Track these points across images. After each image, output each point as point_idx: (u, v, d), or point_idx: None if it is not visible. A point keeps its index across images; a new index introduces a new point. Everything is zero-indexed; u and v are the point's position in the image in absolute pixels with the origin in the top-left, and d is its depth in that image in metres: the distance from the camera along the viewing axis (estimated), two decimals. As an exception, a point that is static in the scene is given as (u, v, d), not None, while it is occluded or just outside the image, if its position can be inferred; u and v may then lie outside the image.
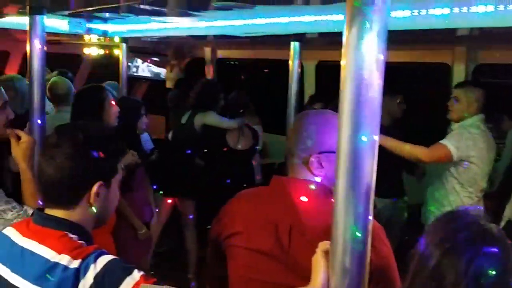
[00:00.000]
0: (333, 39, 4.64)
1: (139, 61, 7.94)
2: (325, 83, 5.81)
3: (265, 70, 7.59)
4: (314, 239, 1.42)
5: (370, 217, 1.13)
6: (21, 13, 3.46)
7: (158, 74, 7.60)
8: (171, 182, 4.55)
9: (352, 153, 1.10)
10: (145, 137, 4.51)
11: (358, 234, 1.12)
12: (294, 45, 3.53)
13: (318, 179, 1.60)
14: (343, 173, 1.11)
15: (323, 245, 1.24)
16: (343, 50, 1.10)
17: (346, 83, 1.10)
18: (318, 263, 1.23)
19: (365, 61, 1.07)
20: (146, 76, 7.76)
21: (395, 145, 3.36)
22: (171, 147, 4.87)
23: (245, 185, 2.36)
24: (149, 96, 7.74)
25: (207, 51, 6.81)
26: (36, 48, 2.56)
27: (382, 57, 1.08)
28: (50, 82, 4.45)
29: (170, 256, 5.07)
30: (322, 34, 3.98)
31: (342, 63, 1.10)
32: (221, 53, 6.88)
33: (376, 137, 1.11)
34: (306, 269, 1.40)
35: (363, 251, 1.13)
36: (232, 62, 7.61)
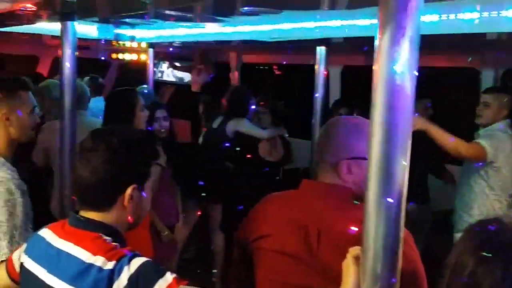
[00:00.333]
0: (358, 44, 4.64)
1: (164, 65, 8.03)
2: (350, 88, 5.79)
3: (290, 75, 7.59)
4: (341, 243, 1.44)
5: (402, 224, 1.12)
6: (52, 19, 3.54)
7: (182, 79, 7.67)
8: (199, 186, 4.56)
9: (383, 159, 1.09)
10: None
11: (389, 241, 1.11)
12: (320, 50, 3.53)
13: (346, 184, 1.60)
14: (374, 179, 1.11)
15: (353, 250, 1.23)
16: (375, 55, 1.09)
17: (378, 88, 1.09)
18: (349, 268, 1.22)
19: (397, 66, 1.07)
20: (171, 81, 7.84)
21: (440, 134, 3.31)
22: (200, 151, 4.89)
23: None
24: (174, 100, 7.81)
25: (232, 56, 6.85)
26: (67, 53, 2.62)
27: (414, 62, 1.07)
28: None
29: (197, 258, 5.10)
30: (347, 39, 3.97)
31: (375, 68, 1.09)
32: (246, 58, 6.91)
33: (409, 143, 1.10)
34: (334, 273, 1.41)
35: (394, 258, 1.13)
36: (257, 67, 7.63)
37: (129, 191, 1.41)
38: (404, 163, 1.10)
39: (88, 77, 5.69)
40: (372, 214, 1.12)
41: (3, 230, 1.80)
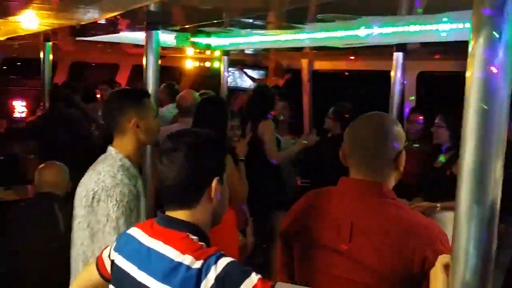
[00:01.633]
0: (435, 49, 4.52)
1: (236, 72, 8.17)
2: (427, 94, 5.63)
3: (364, 82, 7.49)
4: (372, 236, 1.56)
5: (495, 233, 1.09)
6: (137, 29, 3.71)
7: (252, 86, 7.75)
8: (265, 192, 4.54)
9: (477, 165, 1.06)
10: None
11: (481, 249, 1.08)
12: (397, 56, 3.47)
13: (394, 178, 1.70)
14: (467, 186, 1.08)
15: (443, 258, 1.21)
16: (468, 60, 1.07)
17: (471, 95, 1.07)
18: (438, 276, 1.20)
19: (492, 70, 1.04)
20: (243, 87, 7.96)
21: None
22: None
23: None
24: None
25: (304, 63, 6.85)
26: (151, 61, 2.74)
27: (510, 66, 1.05)
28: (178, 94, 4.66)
29: (265, 264, 5.10)
30: (424, 44, 3.88)
31: (467, 72, 1.07)
32: (317, 65, 6.90)
33: (503, 150, 1.07)
34: (365, 265, 1.55)
35: (487, 266, 1.10)
36: (329, 74, 7.59)
37: (213, 183, 1.46)
38: (498, 169, 1.07)
39: (164, 84, 5.89)
40: (463, 221, 1.10)
41: (113, 226, 1.98)
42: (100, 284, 1.60)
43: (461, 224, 1.10)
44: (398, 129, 1.71)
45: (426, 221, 1.62)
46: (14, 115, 8.04)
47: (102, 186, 2.03)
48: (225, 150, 1.57)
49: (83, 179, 2.16)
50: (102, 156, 2.19)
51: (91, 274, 1.63)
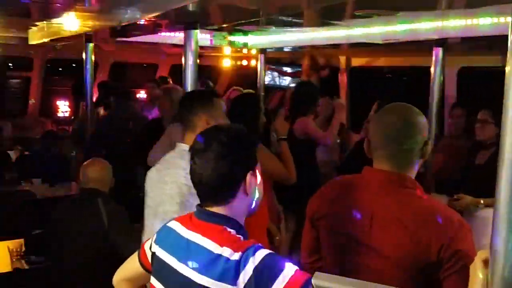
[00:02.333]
0: (477, 44, 4.42)
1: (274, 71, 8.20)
2: (468, 90, 5.51)
3: (403, 78, 7.38)
4: (391, 226, 1.57)
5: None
6: (176, 29, 3.76)
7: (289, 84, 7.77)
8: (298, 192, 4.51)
9: (517, 161, 1.06)
10: None
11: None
12: (437, 51, 3.41)
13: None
14: (506, 181, 1.08)
15: (482, 253, 1.20)
16: (508, 54, 1.06)
17: (510, 89, 1.06)
18: (476, 271, 1.19)
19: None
20: (281, 86, 7.97)
21: None
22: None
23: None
24: (282, 105, 7.92)
25: (342, 60, 6.81)
26: (190, 60, 2.79)
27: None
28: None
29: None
30: (465, 39, 3.80)
31: (507, 68, 1.06)
32: (355, 61, 6.84)
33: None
34: (385, 254, 1.57)
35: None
36: (367, 70, 7.51)
37: (247, 178, 1.49)
38: (539, 165, 1.06)
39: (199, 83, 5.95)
40: (502, 217, 1.09)
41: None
42: (142, 275, 1.65)
43: (500, 219, 1.10)
44: (424, 120, 1.72)
45: (448, 211, 1.61)
46: (58, 115, 8.29)
47: None
48: (255, 144, 1.59)
49: (166, 177, 2.22)
50: (175, 153, 2.28)
51: (134, 265, 1.68)
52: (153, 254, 1.58)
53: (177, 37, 4.89)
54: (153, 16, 3.18)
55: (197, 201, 1.95)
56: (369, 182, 1.70)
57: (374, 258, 1.61)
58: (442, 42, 3.43)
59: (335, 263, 1.74)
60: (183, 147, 2.22)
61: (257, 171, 1.54)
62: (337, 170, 4.94)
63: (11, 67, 8.58)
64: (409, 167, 1.69)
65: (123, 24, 3.60)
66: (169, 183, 2.19)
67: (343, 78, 6.87)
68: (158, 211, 2.24)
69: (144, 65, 8.87)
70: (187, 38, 2.80)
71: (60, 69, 9.03)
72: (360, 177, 1.76)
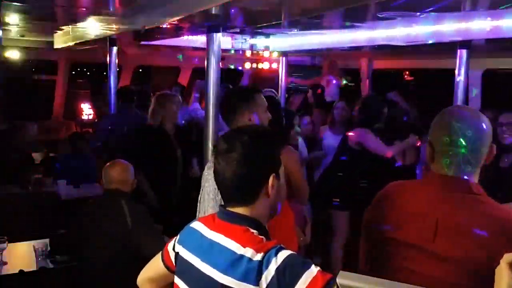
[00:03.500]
0: (503, 45, 4.35)
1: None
2: (493, 93, 5.43)
3: (425, 81, 7.30)
4: (458, 234, 1.52)
5: None
6: (199, 32, 3.79)
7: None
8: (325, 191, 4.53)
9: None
10: (301, 144, 4.58)
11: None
12: (461, 53, 3.37)
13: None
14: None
15: (508, 257, 1.18)
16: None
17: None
18: (502, 274, 1.17)
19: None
20: (301, 88, 7.96)
21: None
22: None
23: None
24: (303, 107, 7.91)
25: (363, 62, 6.77)
26: (212, 63, 2.81)
27: None
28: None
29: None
30: (490, 40, 3.75)
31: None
32: (376, 64, 6.79)
33: None
34: (451, 262, 1.50)
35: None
36: (388, 73, 7.46)
37: (271, 180, 1.49)
38: None
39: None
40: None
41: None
42: (166, 275, 1.66)
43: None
44: (488, 122, 1.67)
45: None
46: (82, 117, 8.42)
47: None
48: (280, 146, 1.59)
49: (208, 175, 2.26)
50: None
51: (157, 265, 1.69)
52: (177, 254, 1.59)
53: (199, 40, 4.92)
54: (176, 20, 3.21)
55: None
56: (431, 188, 1.65)
57: (437, 267, 1.56)
58: (466, 44, 3.38)
59: (392, 271, 1.68)
60: None
61: (280, 173, 1.55)
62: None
63: (37, 70, 8.73)
64: (474, 173, 1.65)
65: (147, 27, 3.64)
66: (208, 180, 2.26)
67: (364, 81, 6.82)
68: (200, 208, 2.33)
69: (167, 68, 8.94)
70: (209, 41, 2.82)
71: (85, 72, 9.14)
72: (420, 183, 1.73)
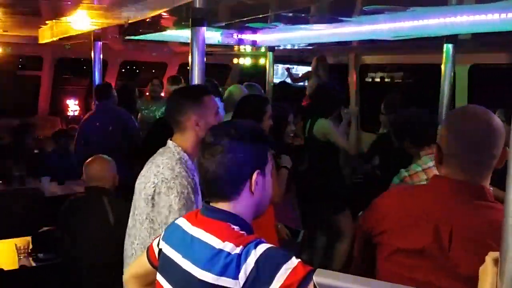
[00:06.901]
0: (489, 40, 4.35)
1: (279, 69, 8.16)
2: (479, 88, 5.43)
3: (412, 76, 7.31)
4: (474, 241, 1.44)
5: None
6: (183, 26, 3.74)
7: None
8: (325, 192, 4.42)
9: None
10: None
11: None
12: (447, 48, 3.36)
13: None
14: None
15: (493, 254, 1.16)
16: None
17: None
18: (487, 271, 1.16)
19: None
20: (290, 83, 7.93)
21: None
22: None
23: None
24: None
25: (351, 57, 6.75)
26: (196, 58, 2.75)
27: None
28: (226, 90, 4.65)
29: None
30: (476, 35, 3.75)
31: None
32: (364, 59, 6.79)
33: None
34: (462, 269, 1.42)
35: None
36: (376, 68, 7.45)
37: (254, 177, 1.46)
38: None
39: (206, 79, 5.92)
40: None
41: (175, 216, 1.98)
42: (151, 272, 1.64)
43: (509, 217, 1.06)
44: (502, 124, 1.57)
45: None
46: (67, 114, 8.33)
47: (161, 178, 2.06)
48: (266, 143, 1.55)
49: (142, 171, 2.21)
50: (161, 149, 2.22)
51: (143, 262, 1.68)
52: (160, 250, 1.58)
53: (185, 35, 4.87)
54: (161, 13, 3.16)
55: (162, 200, 1.95)
56: (442, 193, 1.56)
57: (447, 277, 1.48)
58: (452, 38, 3.37)
59: (399, 281, 1.55)
60: (169, 144, 2.19)
61: (267, 171, 1.52)
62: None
63: (22, 66, 8.63)
64: (486, 177, 1.56)
65: (131, 21, 3.58)
66: (141, 177, 2.18)
67: (352, 76, 6.80)
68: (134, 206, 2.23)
69: (154, 64, 8.88)
70: (193, 35, 2.77)
71: (72, 68, 9.05)
72: (427, 188, 1.64)
